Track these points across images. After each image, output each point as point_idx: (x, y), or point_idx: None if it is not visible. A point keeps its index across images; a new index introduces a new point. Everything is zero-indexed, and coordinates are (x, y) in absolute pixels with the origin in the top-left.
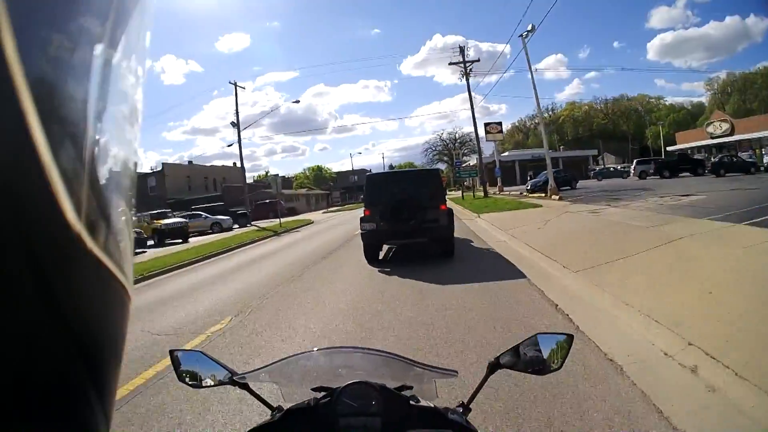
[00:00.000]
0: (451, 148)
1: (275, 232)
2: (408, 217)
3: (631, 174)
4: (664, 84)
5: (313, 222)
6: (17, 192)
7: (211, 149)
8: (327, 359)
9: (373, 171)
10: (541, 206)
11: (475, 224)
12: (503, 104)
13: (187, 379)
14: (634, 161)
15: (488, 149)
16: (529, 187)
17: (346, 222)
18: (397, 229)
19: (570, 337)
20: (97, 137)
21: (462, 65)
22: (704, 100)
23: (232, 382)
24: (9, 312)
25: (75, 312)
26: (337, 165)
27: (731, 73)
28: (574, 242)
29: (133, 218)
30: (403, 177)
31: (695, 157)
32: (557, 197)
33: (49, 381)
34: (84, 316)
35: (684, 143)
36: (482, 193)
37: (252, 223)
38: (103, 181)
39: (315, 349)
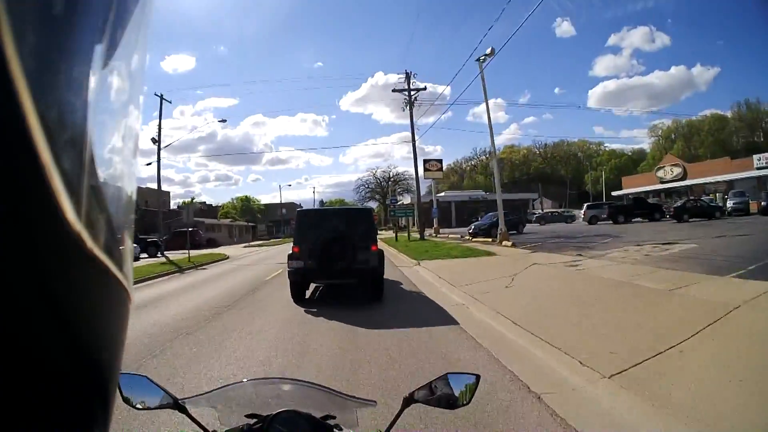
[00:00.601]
0: (384, 186)
1: (180, 268)
2: (338, 257)
3: (580, 218)
4: (602, 131)
5: (228, 258)
6: (17, 192)
7: (148, 171)
8: (258, 389)
9: (304, 206)
10: (495, 254)
11: (416, 274)
12: (438, 146)
13: (130, 402)
14: (585, 205)
15: (423, 188)
16: (471, 230)
17: (267, 259)
18: (325, 269)
19: (477, 377)
20: (97, 137)
21: (406, 93)
22: (646, 146)
23: (174, 407)
24: (9, 312)
25: (75, 312)
26: (269, 197)
27: (676, 120)
28: (571, 313)
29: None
30: (335, 214)
31: (650, 201)
32: (509, 243)
33: (49, 381)
34: (84, 316)
35: (631, 187)
36: (418, 235)
37: (163, 253)
38: (103, 182)
39: (245, 380)
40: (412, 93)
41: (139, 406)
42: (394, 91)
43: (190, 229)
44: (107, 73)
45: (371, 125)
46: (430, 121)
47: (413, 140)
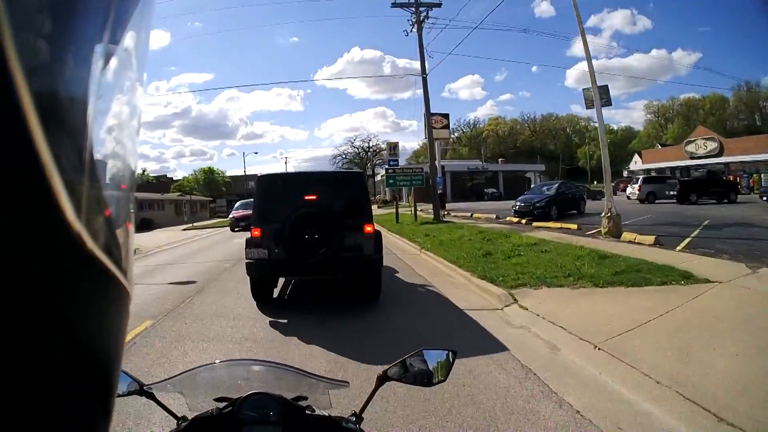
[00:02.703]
0: (364, 156)
1: None
2: (317, 243)
3: (631, 195)
4: (579, 110)
5: (136, 252)
6: (17, 192)
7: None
8: (227, 371)
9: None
10: (691, 276)
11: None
12: (414, 120)
13: None
14: (640, 179)
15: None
16: (518, 207)
17: (194, 256)
18: (299, 260)
19: (454, 353)
20: (97, 137)
21: (414, 8)
22: (634, 125)
23: (140, 393)
24: (9, 312)
25: (75, 312)
26: (245, 171)
27: (673, 98)
28: None
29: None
30: (313, 180)
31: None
32: (632, 237)
33: (49, 381)
34: (84, 316)
35: (651, 162)
36: (431, 214)
37: None
38: (103, 182)
39: (217, 361)
40: (421, 9)
41: None
42: (394, 5)
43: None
44: (109, 70)
45: (346, 100)
46: (407, 95)
47: (423, 73)
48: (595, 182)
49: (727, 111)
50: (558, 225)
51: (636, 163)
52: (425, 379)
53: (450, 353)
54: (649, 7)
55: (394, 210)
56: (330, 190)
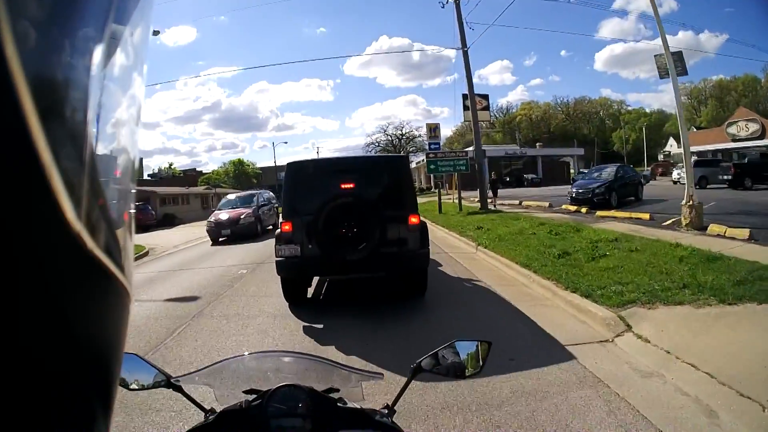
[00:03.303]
0: (397, 144)
1: None
2: (356, 237)
3: (676, 179)
4: (610, 93)
5: (146, 254)
6: (17, 192)
7: (152, 144)
8: (257, 363)
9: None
10: None
11: None
12: (445, 107)
13: (121, 381)
14: (693, 159)
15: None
16: (575, 194)
17: (209, 258)
18: (335, 258)
19: (489, 344)
20: (97, 137)
21: None
22: (665, 107)
23: (168, 385)
24: (8, 312)
25: (74, 312)
26: (275, 161)
27: (706, 80)
28: None
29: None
30: (348, 167)
31: None
32: (724, 231)
33: (48, 381)
34: (84, 316)
35: (691, 146)
36: (477, 203)
37: None
38: (103, 181)
39: (246, 353)
40: None
41: (132, 386)
42: None
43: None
44: (108, 72)
45: (376, 89)
46: (438, 82)
47: (463, 46)
48: (632, 166)
49: (760, 92)
50: (626, 214)
51: (672, 147)
52: (459, 371)
53: (484, 344)
54: None
55: (434, 198)
56: (369, 177)
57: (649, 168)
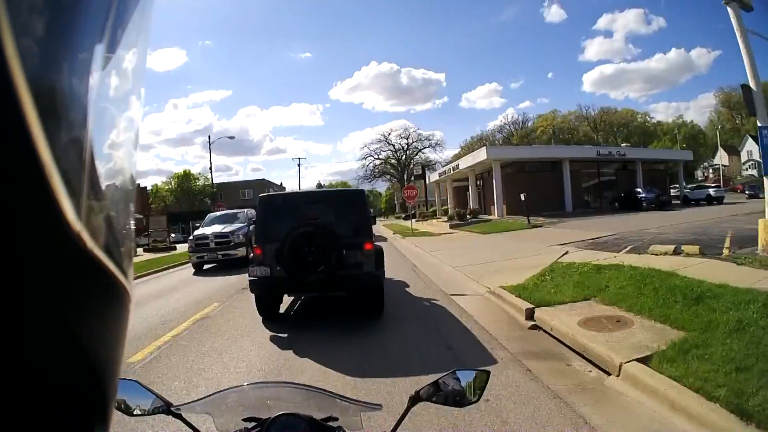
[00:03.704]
0: (401, 154)
1: None
2: (317, 261)
3: None
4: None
5: None
6: (17, 192)
7: (147, 165)
8: (256, 392)
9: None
10: None
11: None
12: (437, 131)
13: (120, 407)
14: None
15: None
16: None
17: None
18: (300, 277)
19: (487, 373)
20: (97, 137)
21: None
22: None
23: (167, 412)
24: (7, 312)
25: (74, 313)
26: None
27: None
28: None
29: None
30: (313, 200)
31: None
32: None
33: (47, 382)
34: (83, 317)
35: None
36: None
37: None
38: (103, 181)
39: (246, 383)
40: None
41: (135, 412)
42: None
43: None
44: (108, 71)
45: (365, 114)
46: (427, 107)
47: None
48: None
49: None
50: None
51: (722, 159)
52: (458, 399)
53: (483, 373)
54: (660, 6)
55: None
56: (329, 208)
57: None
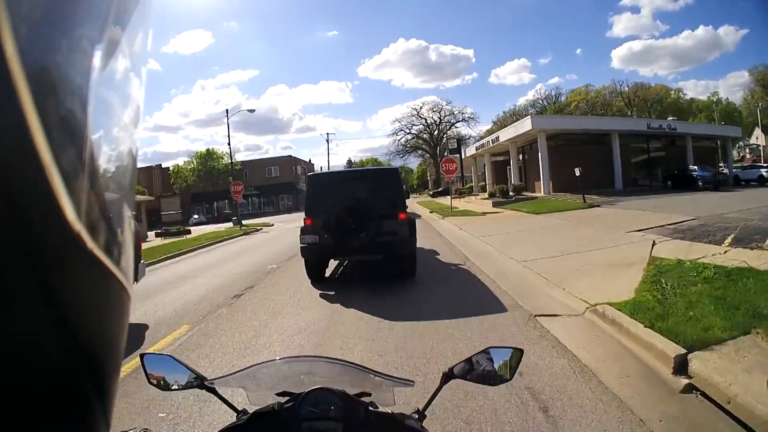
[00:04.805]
0: (433, 128)
1: None
2: (358, 229)
3: None
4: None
5: None
6: (17, 192)
7: (176, 146)
8: (290, 367)
9: (332, 170)
10: None
11: None
12: (468, 107)
13: (156, 382)
14: None
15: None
16: None
17: None
18: (344, 244)
19: (520, 351)
20: (97, 137)
21: None
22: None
23: (201, 386)
24: (9, 312)
25: (75, 311)
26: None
27: None
28: None
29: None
30: (354, 178)
31: None
32: None
33: (48, 380)
34: (84, 316)
35: None
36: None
37: None
38: (103, 181)
39: (278, 358)
40: None
41: (173, 387)
42: None
43: None
44: (108, 71)
45: (394, 91)
46: (456, 84)
47: None
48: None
49: None
50: None
51: (758, 138)
52: (490, 377)
53: (517, 351)
54: None
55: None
56: (368, 184)
57: None
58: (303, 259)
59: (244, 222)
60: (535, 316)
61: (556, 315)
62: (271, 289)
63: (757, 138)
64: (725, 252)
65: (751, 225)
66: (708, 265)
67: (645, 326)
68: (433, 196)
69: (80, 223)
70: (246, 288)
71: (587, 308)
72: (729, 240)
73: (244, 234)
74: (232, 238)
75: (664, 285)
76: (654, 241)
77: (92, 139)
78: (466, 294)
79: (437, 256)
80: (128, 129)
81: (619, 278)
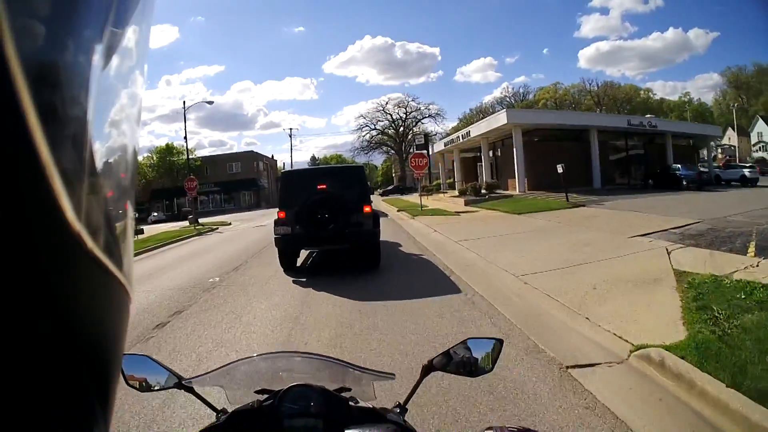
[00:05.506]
0: (399, 124)
1: None
2: (327, 221)
3: None
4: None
5: None
6: (17, 192)
7: (141, 142)
8: (268, 363)
9: (301, 167)
10: None
11: None
12: (432, 104)
13: (135, 384)
14: None
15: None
16: None
17: None
18: (314, 234)
19: (500, 342)
20: (97, 137)
21: None
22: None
23: (179, 386)
24: (8, 312)
25: (74, 312)
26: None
27: (758, 64)
28: None
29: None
30: (323, 174)
31: None
32: None
33: (48, 381)
34: (84, 316)
35: None
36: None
37: None
38: (103, 181)
39: (255, 355)
40: None
41: (152, 387)
42: None
43: None
44: (108, 70)
45: (359, 88)
46: (422, 81)
47: None
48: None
49: None
50: None
51: (730, 139)
52: (471, 368)
53: (497, 342)
54: None
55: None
56: (336, 180)
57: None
58: (266, 258)
59: (201, 220)
60: (567, 367)
61: (591, 365)
62: (203, 316)
63: (729, 138)
64: (758, 264)
65: (766, 230)
66: (753, 283)
67: (727, 386)
68: (383, 194)
69: (80, 223)
70: (174, 313)
71: (631, 351)
72: (752, 248)
73: (198, 234)
74: (184, 239)
75: (717, 314)
76: (667, 249)
77: (92, 139)
78: (460, 330)
79: (410, 265)
80: (129, 128)
81: (652, 302)
